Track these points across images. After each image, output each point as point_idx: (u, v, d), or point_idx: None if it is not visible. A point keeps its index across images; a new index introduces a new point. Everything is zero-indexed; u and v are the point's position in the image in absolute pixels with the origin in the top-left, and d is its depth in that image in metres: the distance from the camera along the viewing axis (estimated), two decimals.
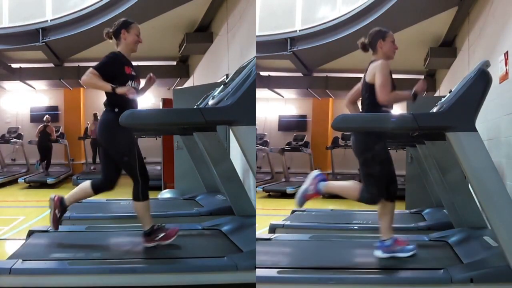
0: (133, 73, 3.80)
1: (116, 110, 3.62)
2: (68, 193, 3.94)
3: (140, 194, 3.76)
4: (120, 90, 3.62)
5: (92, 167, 11.31)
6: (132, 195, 3.80)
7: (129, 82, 3.73)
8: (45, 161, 10.84)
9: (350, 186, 3.76)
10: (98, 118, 10.97)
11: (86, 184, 3.89)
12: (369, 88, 3.58)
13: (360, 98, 3.74)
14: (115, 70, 3.70)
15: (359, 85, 3.75)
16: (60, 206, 3.89)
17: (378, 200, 3.64)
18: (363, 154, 3.59)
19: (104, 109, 3.79)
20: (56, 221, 3.90)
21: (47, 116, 11.08)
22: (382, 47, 3.62)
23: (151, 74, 4.02)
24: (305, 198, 3.84)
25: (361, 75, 3.74)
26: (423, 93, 3.40)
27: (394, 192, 3.66)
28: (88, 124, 11.72)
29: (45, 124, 10.86)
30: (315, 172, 3.86)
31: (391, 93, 3.48)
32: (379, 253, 3.63)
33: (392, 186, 3.65)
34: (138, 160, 3.78)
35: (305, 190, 3.83)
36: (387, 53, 3.63)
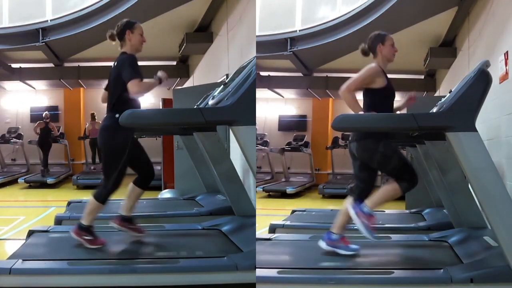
0: None
1: (117, 115, 3.57)
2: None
3: (102, 197, 3.79)
4: (163, 76, 3.79)
5: (92, 167, 11.31)
6: (94, 192, 3.81)
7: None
8: (44, 159, 10.85)
9: (387, 189, 3.65)
10: (96, 118, 10.99)
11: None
12: (364, 92, 3.66)
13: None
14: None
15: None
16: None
17: (416, 182, 3.60)
18: (373, 157, 3.59)
19: (106, 115, 3.79)
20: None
21: (46, 112, 11.07)
22: (382, 51, 3.66)
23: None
24: (369, 228, 3.61)
25: None
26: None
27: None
28: (86, 124, 11.70)
29: (45, 120, 10.86)
30: (349, 206, 3.66)
31: (350, 91, 3.51)
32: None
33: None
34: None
35: (363, 225, 3.60)
36: (387, 56, 3.68)
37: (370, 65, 3.64)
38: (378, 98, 3.58)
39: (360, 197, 3.73)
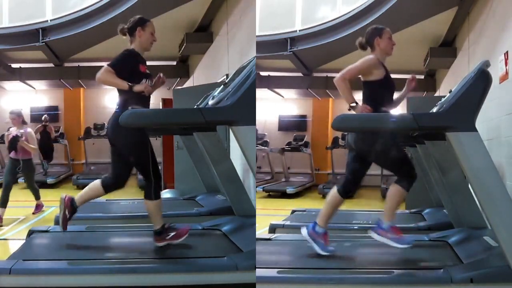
0: (147, 71, 3.79)
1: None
2: (78, 193, 3.89)
3: (152, 194, 3.76)
4: (137, 88, 3.62)
5: (92, 167, 11.30)
6: (144, 194, 3.78)
7: (143, 81, 3.71)
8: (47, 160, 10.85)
9: (392, 196, 3.66)
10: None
11: (96, 183, 3.84)
12: (363, 84, 3.66)
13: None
14: (130, 67, 3.68)
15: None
16: (70, 206, 3.82)
17: (415, 175, 3.62)
18: (372, 149, 3.58)
19: (116, 109, 3.74)
20: (66, 221, 3.82)
21: (45, 116, 11.07)
22: (380, 44, 3.66)
23: (161, 74, 3.91)
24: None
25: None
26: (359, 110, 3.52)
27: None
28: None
29: (44, 124, 10.86)
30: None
31: (345, 80, 3.53)
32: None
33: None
34: (151, 159, 3.76)
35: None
36: (385, 50, 3.67)
37: (368, 56, 3.64)
38: (377, 90, 3.58)
39: (344, 187, 3.77)
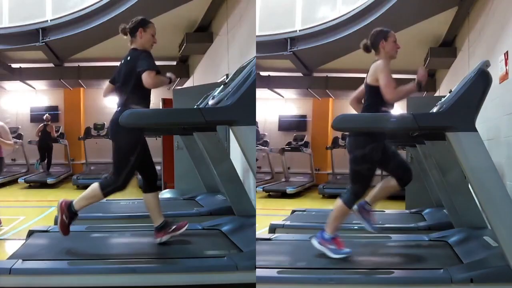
0: None
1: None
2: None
3: (108, 189, 3.73)
4: (172, 77, 3.84)
5: (92, 167, 11.30)
6: (102, 182, 3.73)
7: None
8: (46, 161, 10.86)
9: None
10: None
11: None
12: (368, 89, 3.60)
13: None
14: None
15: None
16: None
17: (358, 199, 3.69)
18: (353, 151, 3.64)
19: (119, 109, 3.73)
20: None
21: (47, 115, 11.09)
22: (385, 47, 3.63)
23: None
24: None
25: (361, 75, 3.75)
26: (425, 80, 3.42)
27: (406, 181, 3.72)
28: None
29: (45, 123, 10.88)
30: (313, 239, 3.78)
31: (396, 90, 3.45)
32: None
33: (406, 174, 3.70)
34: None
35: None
36: (390, 53, 3.64)
37: (380, 61, 3.58)
38: (382, 95, 3.50)
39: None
